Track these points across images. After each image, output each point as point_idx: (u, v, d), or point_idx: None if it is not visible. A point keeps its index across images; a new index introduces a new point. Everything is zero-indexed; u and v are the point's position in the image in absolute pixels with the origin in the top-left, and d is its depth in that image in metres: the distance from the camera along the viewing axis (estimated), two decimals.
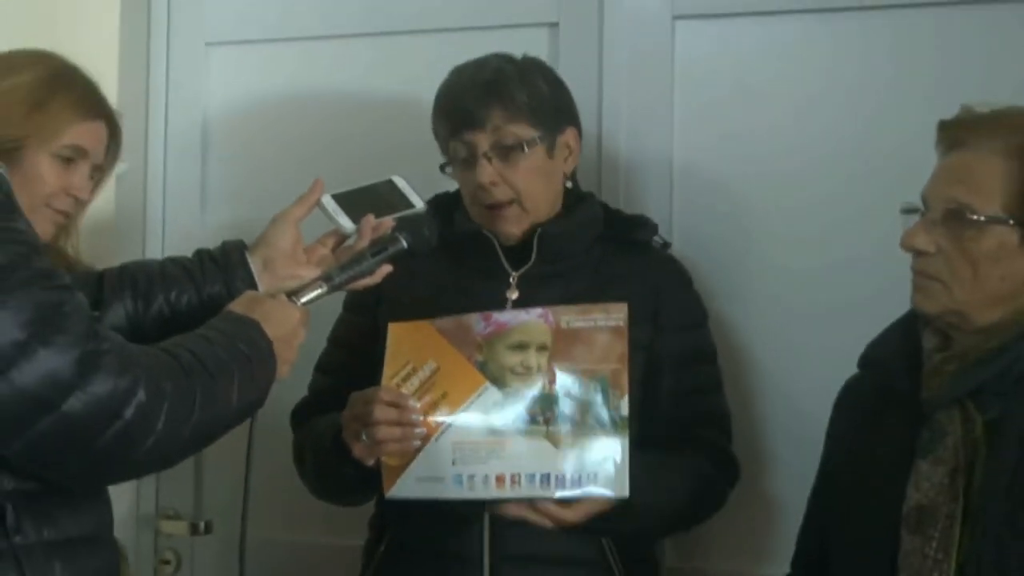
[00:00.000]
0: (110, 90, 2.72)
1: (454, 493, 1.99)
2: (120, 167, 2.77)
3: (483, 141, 2.18)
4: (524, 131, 2.18)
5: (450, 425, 2.01)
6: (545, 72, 2.28)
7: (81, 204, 2.09)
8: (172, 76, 2.93)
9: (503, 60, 2.24)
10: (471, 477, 1.99)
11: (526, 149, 2.18)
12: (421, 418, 2.00)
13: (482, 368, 2.02)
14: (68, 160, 2.02)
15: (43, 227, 1.98)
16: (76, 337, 1.47)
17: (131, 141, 2.80)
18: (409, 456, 2.00)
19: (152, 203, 2.92)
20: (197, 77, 2.92)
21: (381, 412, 1.99)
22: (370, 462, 2.03)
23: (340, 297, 2.29)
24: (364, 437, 2.01)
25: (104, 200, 2.69)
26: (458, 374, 2.03)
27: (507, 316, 2.07)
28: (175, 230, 2.90)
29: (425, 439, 2.00)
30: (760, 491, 2.48)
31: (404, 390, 2.02)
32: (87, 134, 2.04)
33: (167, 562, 2.87)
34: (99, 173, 2.12)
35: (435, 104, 2.27)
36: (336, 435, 2.08)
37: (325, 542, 2.71)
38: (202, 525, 2.83)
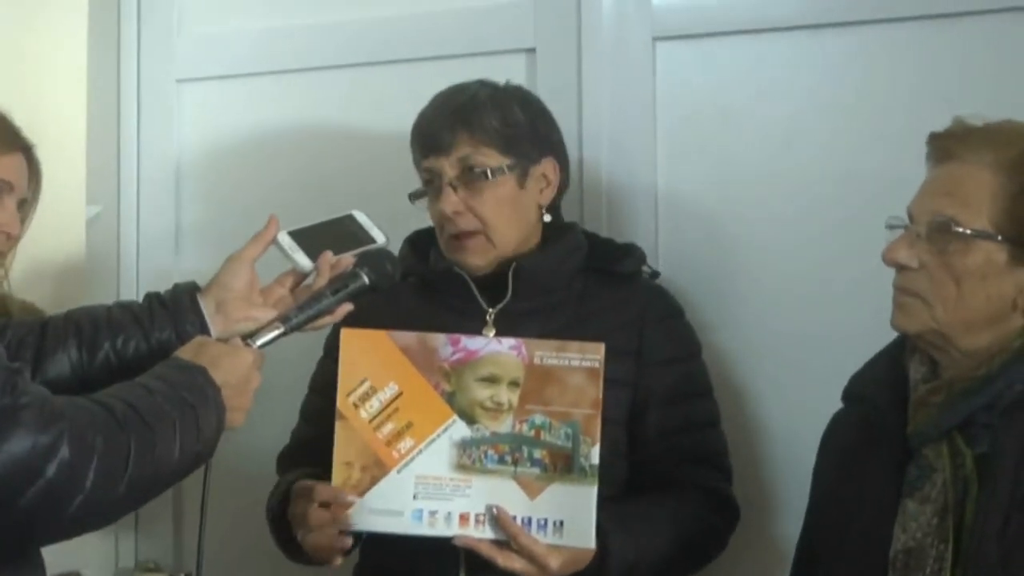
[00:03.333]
0: (79, 130, 2.71)
1: (412, 528, 1.94)
2: (91, 210, 2.77)
3: (448, 168, 2.12)
4: (492, 159, 2.12)
5: (414, 458, 1.95)
6: (526, 100, 2.22)
7: (11, 240, 2.05)
8: (143, 114, 2.92)
9: (481, 85, 2.19)
10: (433, 513, 1.94)
11: (491, 177, 2.11)
12: (356, 500, 1.95)
13: (450, 400, 1.97)
14: None
15: None
16: None
17: (103, 182, 2.87)
18: (361, 486, 1.95)
19: (125, 246, 2.90)
20: (169, 115, 2.90)
21: (317, 516, 1.96)
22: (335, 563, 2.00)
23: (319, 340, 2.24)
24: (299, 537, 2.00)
25: (75, 244, 2.69)
26: (424, 403, 1.97)
27: (477, 343, 2.00)
28: (149, 273, 2.86)
29: (382, 470, 1.95)
30: (764, 532, 2.38)
31: (362, 412, 1.97)
32: (8, 167, 2.01)
33: None
34: (24, 206, 2.08)
35: (411, 131, 2.22)
36: (277, 516, 2.08)
37: None
38: None
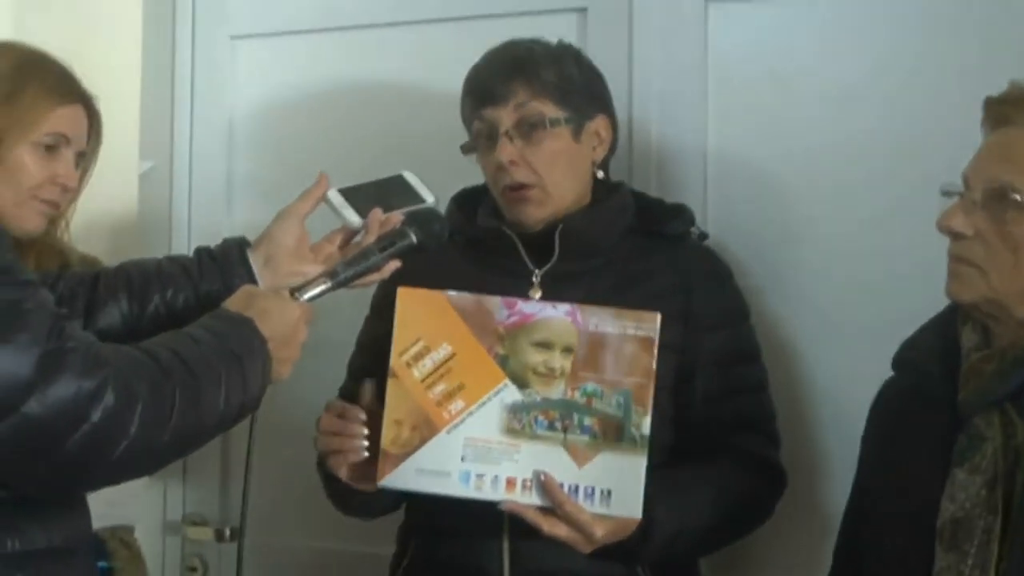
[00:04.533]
0: (134, 87, 2.73)
1: (458, 491, 1.93)
2: (144, 165, 2.79)
3: (504, 118, 2.10)
4: (549, 109, 2.10)
5: (464, 419, 1.94)
6: (579, 57, 2.20)
7: (69, 193, 2.04)
8: (197, 71, 2.89)
9: (535, 41, 2.18)
10: (480, 476, 1.92)
11: (549, 127, 2.09)
12: (364, 417, 1.97)
13: (503, 363, 1.95)
14: (50, 148, 1.96)
15: (33, 221, 1.96)
16: (37, 336, 1.42)
17: (156, 138, 2.88)
18: (410, 445, 1.94)
19: (178, 201, 2.88)
20: (223, 71, 2.87)
21: (326, 421, 1.98)
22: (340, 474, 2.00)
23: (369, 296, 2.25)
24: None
25: (128, 199, 2.73)
26: (476, 366, 1.95)
27: (533, 307, 1.98)
28: (201, 229, 2.85)
29: (432, 430, 1.94)
30: (810, 502, 2.35)
31: (415, 372, 1.95)
32: (66, 120, 1.99)
33: (193, 569, 2.83)
34: (83, 160, 2.07)
35: (463, 85, 2.20)
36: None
37: (352, 550, 2.63)
38: (228, 531, 2.79)
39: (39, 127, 1.94)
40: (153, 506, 2.79)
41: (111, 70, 2.65)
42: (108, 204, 2.60)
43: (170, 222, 2.87)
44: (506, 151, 2.08)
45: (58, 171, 1.97)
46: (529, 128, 2.09)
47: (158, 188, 2.87)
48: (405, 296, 1.99)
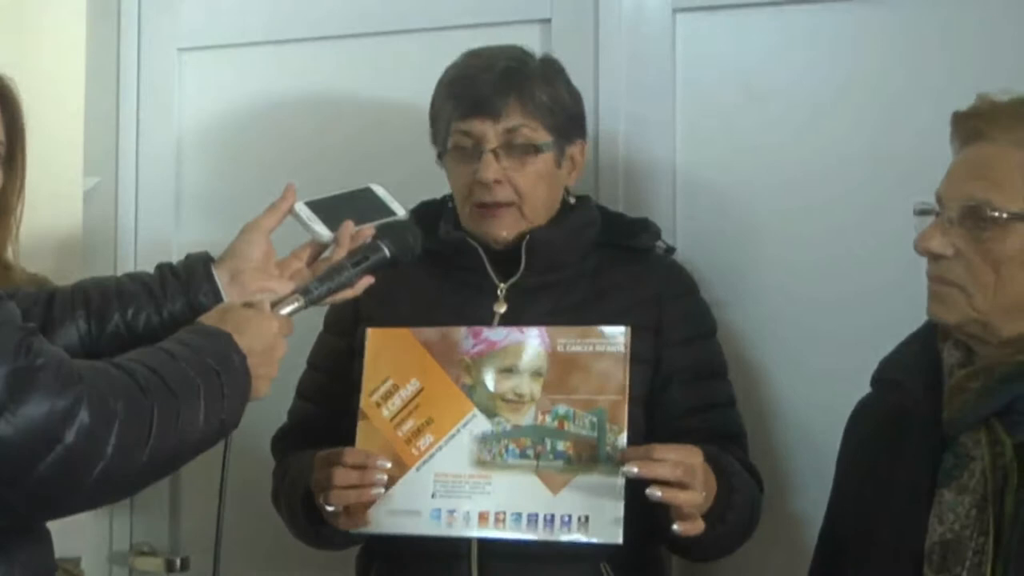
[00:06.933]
0: (78, 101, 2.65)
1: (430, 529, 1.87)
2: (89, 181, 2.69)
3: (492, 135, 2.05)
4: (539, 134, 2.07)
5: (433, 455, 1.89)
6: (566, 78, 2.16)
7: None
8: (143, 84, 2.84)
9: (525, 52, 2.14)
10: (451, 512, 1.87)
11: (541, 151, 2.06)
12: (389, 465, 1.88)
13: (470, 393, 1.91)
14: None
15: None
16: (4, 352, 1.35)
17: (101, 153, 2.83)
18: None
19: (124, 218, 2.83)
20: (170, 84, 2.83)
21: (340, 477, 1.88)
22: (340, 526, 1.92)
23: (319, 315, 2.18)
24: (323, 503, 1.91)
25: (72, 216, 2.65)
26: (444, 399, 1.92)
27: (498, 334, 1.94)
28: (149, 246, 2.80)
29: (402, 469, 1.89)
30: (777, 515, 2.31)
31: (384, 411, 1.92)
32: None
33: None
34: (5, 154, 1.96)
35: (440, 86, 2.14)
36: (306, 494, 1.97)
37: None
38: (178, 562, 2.72)
39: None
40: (99, 536, 2.72)
41: (54, 84, 2.60)
42: (52, 222, 2.52)
43: (116, 240, 2.82)
44: (492, 169, 2.04)
45: None
46: (518, 150, 2.05)
47: (103, 205, 2.81)
48: (374, 337, 1.97)
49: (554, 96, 2.08)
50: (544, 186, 2.08)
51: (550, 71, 2.12)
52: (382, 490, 1.87)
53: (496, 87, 2.05)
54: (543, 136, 2.06)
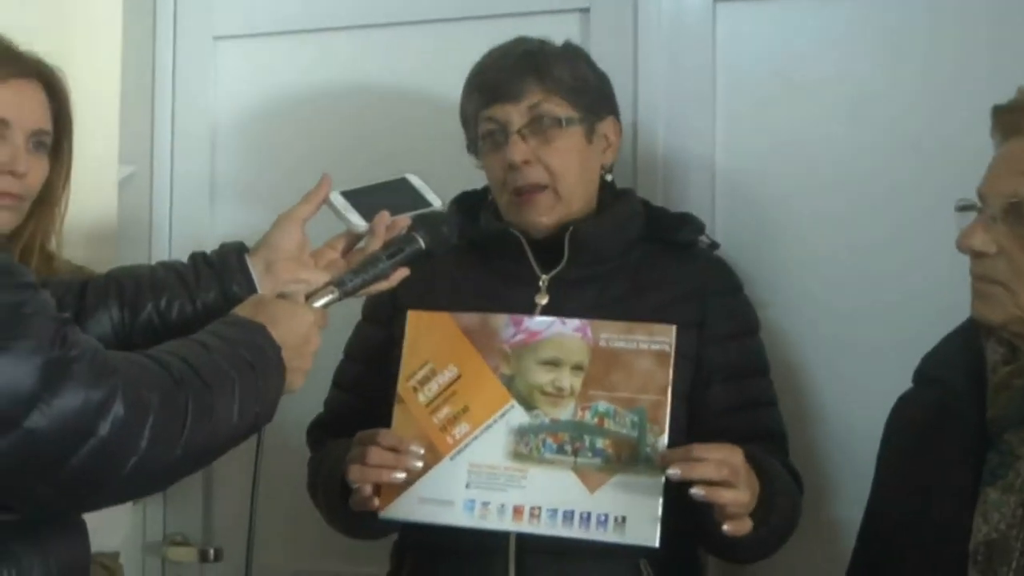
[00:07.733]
0: (113, 87, 2.63)
1: (463, 520, 1.84)
2: (125, 169, 2.68)
3: (516, 116, 2.05)
4: (563, 108, 2.05)
5: (469, 444, 1.86)
6: (588, 58, 2.16)
7: (25, 180, 1.91)
8: (179, 72, 2.83)
9: (544, 40, 2.13)
10: (485, 505, 1.84)
11: (564, 126, 2.04)
12: (422, 452, 1.86)
13: (508, 383, 1.88)
14: None
15: None
16: (39, 342, 1.32)
17: (136, 141, 2.80)
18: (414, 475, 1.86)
19: (158, 206, 2.82)
20: (205, 73, 2.82)
21: (376, 456, 1.86)
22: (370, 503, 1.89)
23: (356, 306, 2.16)
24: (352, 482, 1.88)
25: (107, 205, 2.64)
26: (481, 387, 1.89)
27: (540, 324, 1.91)
28: (183, 234, 2.79)
29: (436, 457, 1.86)
30: (817, 518, 2.29)
31: (420, 396, 1.90)
32: (3, 99, 1.87)
33: None
34: (45, 137, 1.95)
35: (466, 82, 2.14)
36: (344, 483, 1.94)
37: (343, 571, 2.57)
38: (212, 552, 2.70)
39: None
40: (133, 526, 2.69)
41: (90, 72, 2.55)
42: (86, 210, 2.48)
43: (151, 228, 2.81)
44: (519, 150, 2.03)
45: (1, 158, 1.86)
46: (543, 127, 2.04)
47: (139, 194, 2.80)
48: (415, 319, 1.94)
49: (575, 73, 2.07)
50: (575, 163, 2.06)
51: (570, 52, 2.12)
52: (403, 475, 1.85)
53: (514, 70, 2.05)
54: (567, 111, 2.05)
